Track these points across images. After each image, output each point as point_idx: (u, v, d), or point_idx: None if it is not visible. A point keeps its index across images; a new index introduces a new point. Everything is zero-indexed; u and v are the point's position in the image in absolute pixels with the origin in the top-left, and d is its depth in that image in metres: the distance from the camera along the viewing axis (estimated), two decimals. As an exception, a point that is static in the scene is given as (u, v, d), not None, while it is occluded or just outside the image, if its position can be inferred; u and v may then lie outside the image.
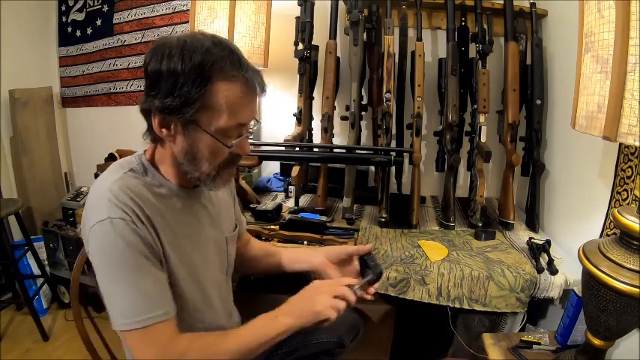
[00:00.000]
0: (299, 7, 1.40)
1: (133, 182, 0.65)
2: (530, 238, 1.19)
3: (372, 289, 0.77)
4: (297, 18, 1.41)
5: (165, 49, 0.60)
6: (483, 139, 1.31)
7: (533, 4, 1.30)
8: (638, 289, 0.61)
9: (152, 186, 0.68)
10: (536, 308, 1.13)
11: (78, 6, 2.15)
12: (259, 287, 1.16)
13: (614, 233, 0.91)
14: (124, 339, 0.63)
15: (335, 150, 1.39)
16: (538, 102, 1.30)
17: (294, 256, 0.95)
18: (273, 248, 1.01)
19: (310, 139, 1.52)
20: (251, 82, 0.63)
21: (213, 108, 0.61)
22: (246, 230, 0.99)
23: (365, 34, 1.36)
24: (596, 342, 0.73)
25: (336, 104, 1.43)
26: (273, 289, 1.11)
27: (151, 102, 0.62)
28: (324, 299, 0.69)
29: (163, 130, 0.64)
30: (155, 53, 0.61)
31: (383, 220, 1.32)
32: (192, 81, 0.59)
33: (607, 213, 1.01)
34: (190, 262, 0.72)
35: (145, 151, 0.72)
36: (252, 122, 0.69)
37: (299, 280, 1.05)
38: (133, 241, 0.60)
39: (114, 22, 2.07)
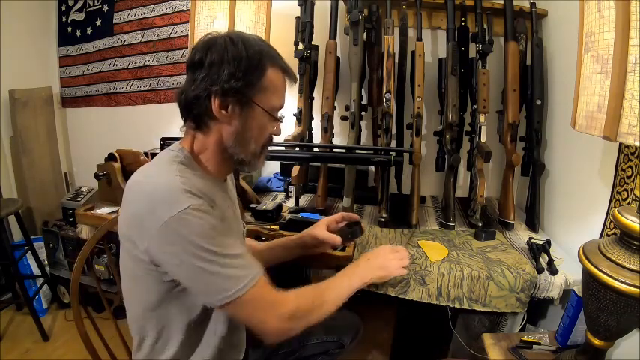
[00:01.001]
0: (299, 7, 1.40)
1: (189, 174, 0.70)
2: (530, 238, 1.19)
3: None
4: (297, 18, 1.41)
5: (225, 41, 0.70)
6: (483, 139, 1.31)
7: (533, 4, 1.30)
8: (638, 289, 0.61)
9: (199, 178, 0.73)
10: (536, 308, 1.13)
11: (78, 6, 2.15)
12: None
13: (614, 233, 0.91)
14: (234, 311, 0.68)
15: (335, 150, 1.39)
16: (538, 102, 1.30)
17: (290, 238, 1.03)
18: (271, 243, 1.06)
19: (310, 139, 1.52)
20: (290, 71, 0.76)
21: (267, 89, 0.72)
22: (246, 230, 1.02)
23: (365, 34, 1.36)
24: (596, 342, 0.73)
25: (336, 104, 1.43)
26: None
27: (208, 87, 0.69)
28: (394, 263, 0.89)
29: (223, 111, 0.71)
30: (213, 45, 0.70)
31: (383, 220, 1.32)
32: (253, 66, 0.70)
33: (607, 213, 1.01)
34: None
35: (179, 143, 0.76)
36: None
37: (298, 279, 1.05)
38: (216, 222, 0.66)
39: (114, 22, 2.07)
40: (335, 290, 0.81)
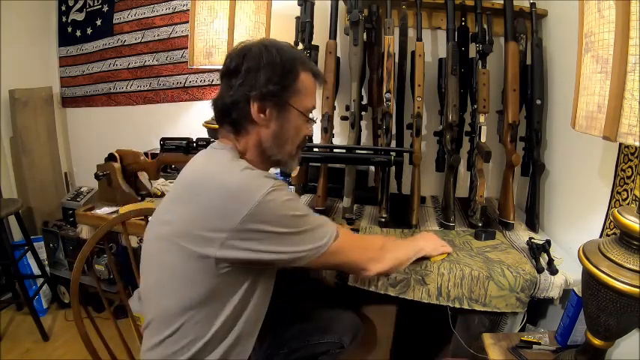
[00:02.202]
0: (299, 7, 1.40)
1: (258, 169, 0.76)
2: (530, 238, 1.19)
3: None
4: (297, 18, 1.41)
5: (260, 48, 0.75)
6: (483, 139, 1.31)
7: (533, 4, 1.30)
8: (638, 289, 0.61)
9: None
10: (536, 308, 1.13)
11: (78, 6, 2.15)
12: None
13: (614, 233, 0.91)
14: (332, 255, 0.77)
15: (335, 150, 1.39)
16: (538, 102, 1.30)
17: None
18: None
19: (310, 139, 1.52)
20: (319, 74, 0.82)
21: (300, 92, 0.77)
22: None
23: (365, 34, 1.36)
24: (596, 342, 0.73)
25: (336, 104, 1.43)
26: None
27: (247, 93, 0.74)
28: (440, 243, 1.07)
29: (261, 114, 0.76)
30: (248, 52, 0.75)
31: (383, 220, 1.32)
32: (287, 71, 0.75)
33: (607, 213, 1.01)
34: None
35: (220, 142, 0.81)
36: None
37: (300, 280, 1.05)
38: (295, 196, 0.75)
39: (114, 22, 2.07)
40: (404, 250, 0.96)
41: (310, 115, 0.82)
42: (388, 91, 1.29)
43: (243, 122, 0.77)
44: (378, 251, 0.88)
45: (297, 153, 0.83)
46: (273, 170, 1.79)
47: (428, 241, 1.04)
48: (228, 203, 0.67)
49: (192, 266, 0.69)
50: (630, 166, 0.93)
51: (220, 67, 0.81)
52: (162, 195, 1.56)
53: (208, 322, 0.73)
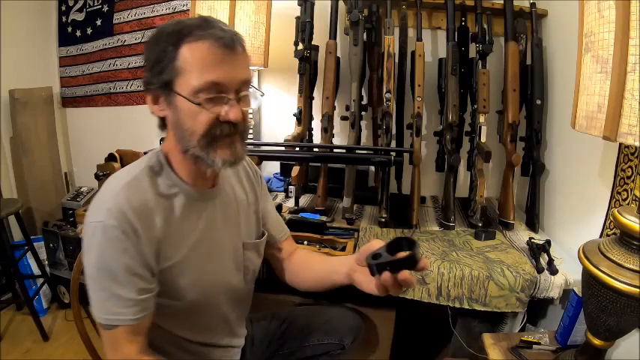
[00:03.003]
0: (299, 7, 1.40)
1: (141, 187, 0.65)
2: (530, 238, 1.19)
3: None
4: (297, 18, 1.41)
5: (154, 31, 0.66)
6: (483, 139, 1.31)
7: (533, 4, 1.30)
8: (638, 289, 0.61)
9: (163, 187, 0.68)
10: (536, 308, 1.13)
11: (78, 6, 2.15)
12: (260, 287, 1.16)
13: (614, 233, 0.91)
14: (103, 338, 0.65)
15: (335, 150, 1.39)
16: (538, 102, 1.30)
17: (331, 266, 0.84)
18: (310, 259, 0.92)
19: (310, 139, 1.52)
20: (222, 38, 0.61)
21: (184, 70, 0.61)
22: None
23: (365, 34, 1.36)
24: (596, 342, 0.73)
25: (336, 104, 1.43)
26: (274, 289, 1.11)
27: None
28: None
29: (155, 106, 0.67)
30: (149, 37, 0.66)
31: (383, 220, 1.32)
32: (164, 49, 0.62)
33: (607, 213, 1.01)
34: (194, 265, 0.71)
35: (162, 141, 0.73)
36: (249, 88, 0.67)
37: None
38: (117, 253, 0.61)
39: (114, 22, 2.07)
40: None
41: (204, 96, 0.61)
42: (388, 91, 1.29)
43: (158, 118, 0.69)
44: None
45: (214, 146, 0.65)
46: (273, 170, 1.80)
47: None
48: (89, 208, 0.65)
49: None
50: (630, 166, 0.93)
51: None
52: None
53: None
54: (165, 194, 0.68)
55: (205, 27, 0.62)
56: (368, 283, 0.67)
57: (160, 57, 0.62)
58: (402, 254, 0.62)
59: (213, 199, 0.75)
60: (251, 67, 1.62)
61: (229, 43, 0.61)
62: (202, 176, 0.71)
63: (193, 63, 0.61)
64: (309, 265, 0.90)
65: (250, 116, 1.78)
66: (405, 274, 0.59)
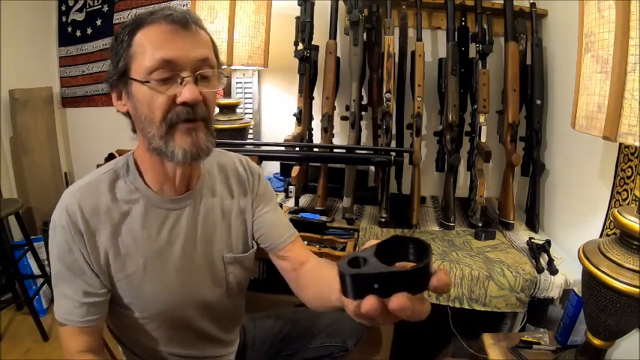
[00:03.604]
0: (299, 7, 1.40)
1: (96, 191, 0.65)
2: (530, 238, 1.19)
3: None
4: (297, 18, 1.41)
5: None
6: (483, 139, 1.31)
7: (533, 4, 1.30)
8: (638, 289, 0.61)
9: (123, 192, 0.66)
10: (536, 308, 1.13)
11: (78, 6, 2.15)
12: (260, 287, 1.16)
13: (614, 233, 0.91)
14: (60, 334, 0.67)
15: (335, 150, 1.39)
16: (538, 102, 1.30)
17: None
18: (320, 269, 0.74)
19: (310, 139, 1.52)
20: (171, 15, 0.59)
21: (137, 53, 0.59)
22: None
23: (365, 34, 1.36)
24: (596, 342, 0.73)
25: (336, 104, 1.43)
26: (274, 289, 1.11)
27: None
28: None
29: (119, 102, 0.65)
30: None
31: (383, 220, 1.32)
32: (121, 41, 0.60)
33: (607, 213, 1.01)
34: (157, 277, 0.68)
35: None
36: (212, 70, 0.63)
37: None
38: (63, 252, 0.64)
39: (114, 22, 2.07)
40: None
41: (157, 76, 0.58)
42: (388, 91, 1.29)
43: (128, 119, 0.67)
44: None
45: (173, 132, 0.60)
46: (273, 170, 1.80)
47: None
48: None
49: None
50: (630, 166, 0.93)
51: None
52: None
53: None
54: (123, 199, 0.66)
55: (158, 11, 0.60)
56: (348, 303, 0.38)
57: (117, 50, 0.61)
58: (403, 265, 0.38)
59: (184, 207, 0.70)
60: (251, 67, 1.63)
61: (181, 19, 0.59)
62: (170, 180, 0.67)
63: (146, 44, 0.58)
64: (314, 282, 0.74)
65: (248, 113, 1.78)
66: (400, 299, 0.33)
